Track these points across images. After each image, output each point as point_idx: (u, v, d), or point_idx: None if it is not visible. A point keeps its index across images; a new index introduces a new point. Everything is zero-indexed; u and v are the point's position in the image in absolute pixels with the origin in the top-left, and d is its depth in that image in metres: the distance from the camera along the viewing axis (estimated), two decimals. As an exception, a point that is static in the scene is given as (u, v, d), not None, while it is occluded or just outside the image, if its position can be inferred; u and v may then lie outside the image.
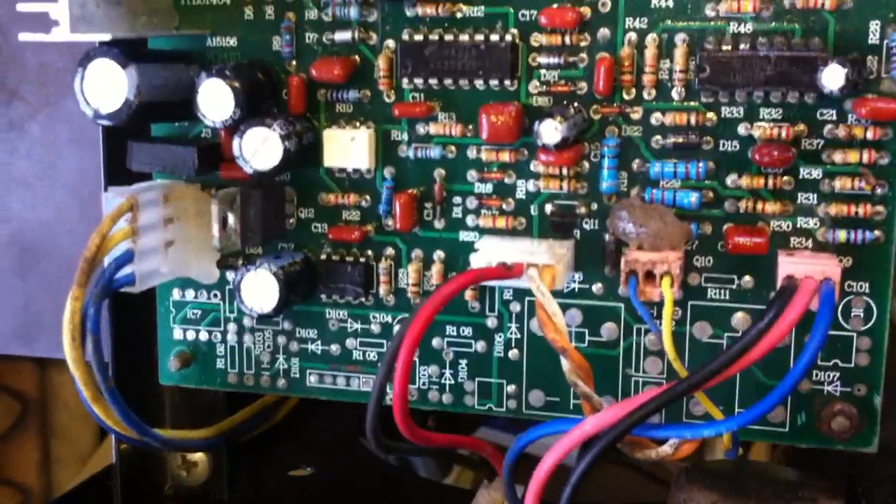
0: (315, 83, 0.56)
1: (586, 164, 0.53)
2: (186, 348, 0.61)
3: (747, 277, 0.52)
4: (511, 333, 0.56)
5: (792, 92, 0.49)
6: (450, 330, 0.57)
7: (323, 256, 0.57)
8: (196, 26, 0.57)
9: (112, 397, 0.54)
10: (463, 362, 0.57)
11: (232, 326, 0.60)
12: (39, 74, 0.75)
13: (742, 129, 0.51)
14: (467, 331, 0.56)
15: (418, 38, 0.53)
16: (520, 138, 0.53)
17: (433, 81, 0.54)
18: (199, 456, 0.69)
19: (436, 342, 0.57)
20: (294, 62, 0.56)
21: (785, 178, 0.50)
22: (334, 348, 0.58)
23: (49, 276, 0.77)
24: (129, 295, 0.56)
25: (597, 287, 0.54)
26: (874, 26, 0.49)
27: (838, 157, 0.50)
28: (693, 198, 0.51)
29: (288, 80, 0.56)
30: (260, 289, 0.55)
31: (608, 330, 0.54)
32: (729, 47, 0.49)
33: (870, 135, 0.49)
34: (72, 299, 0.52)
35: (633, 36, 0.51)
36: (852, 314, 0.51)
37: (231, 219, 0.55)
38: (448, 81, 0.53)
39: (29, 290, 0.78)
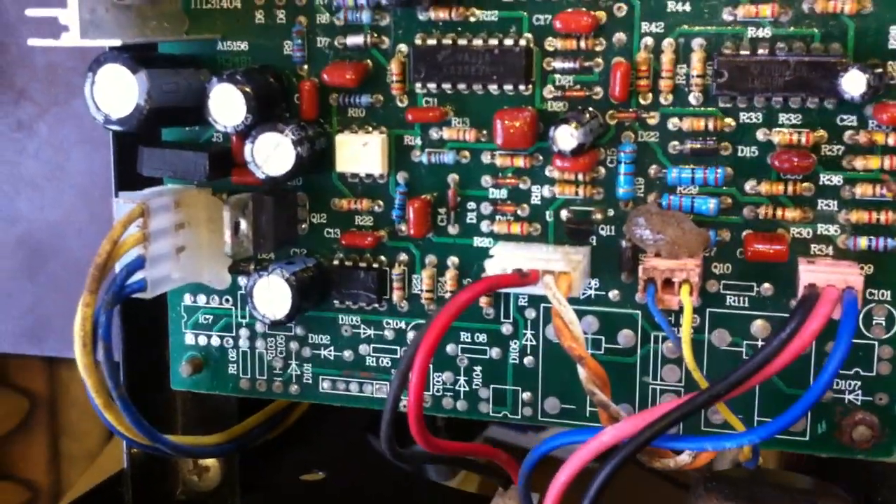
0: (327, 88, 0.55)
1: (602, 170, 0.52)
2: (198, 354, 0.61)
3: (766, 285, 0.51)
4: (526, 340, 0.55)
5: (811, 98, 0.48)
6: (464, 336, 0.56)
7: (336, 262, 0.57)
8: (206, 31, 0.56)
9: (123, 404, 0.54)
10: (477, 369, 0.56)
11: (244, 332, 0.60)
12: (48, 74, 0.74)
13: (761, 135, 0.50)
14: (482, 337, 0.56)
15: (431, 42, 0.53)
16: (535, 144, 0.52)
17: (447, 86, 0.53)
18: (210, 461, 0.69)
19: (450, 349, 0.56)
20: (306, 67, 0.55)
21: (805, 184, 0.50)
22: (347, 354, 0.58)
23: (57, 277, 0.77)
24: (140, 300, 0.55)
25: (613, 294, 0.54)
26: (894, 31, 0.48)
27: (859, 163, 0.49)
28: (711, 204, 0.51)
29: (300, 84, 0.55)
30: (272, 295, 0.55)
31: (625, 337, 0.54)
32: (747, 52, 0.49)
33: (891, 141, 0.48)
34: (83, 305, 0.52)
35: (649, 40, 0.51)
36: (874, 322, 0.51)
37: (243, 224, 0.55)
38: (462, 86, 0.53)
39: (37, 292, 0.77)
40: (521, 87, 0.52)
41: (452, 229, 0.55)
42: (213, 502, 0.69)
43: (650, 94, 0.51)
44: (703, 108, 0.51)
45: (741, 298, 0.52)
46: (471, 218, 0.55)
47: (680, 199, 0.51)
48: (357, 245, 0.56)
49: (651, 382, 0.54)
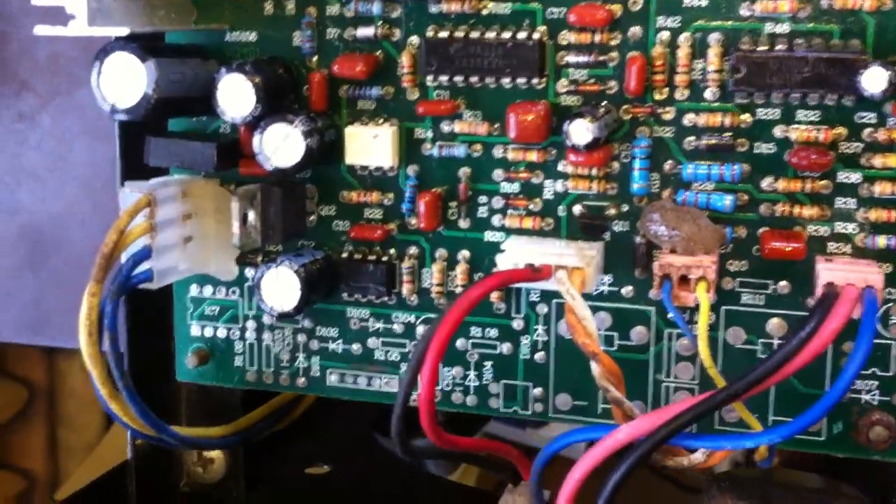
0: (337, 80, 0.54)
1: (616, 165, 0.52)
2: (204, 345, 0.60)
3: (783, 282, 0.51)
4: (538, 335, 0.55)
5: (830, 94, 0.48)
6: (475, 331, 0.56)
7: (344, 255, 0.56)
8: (214, 21, 0.56)
9: (129, 394, 0.53)
10: (488, 364, 0.56)
11: (251, 324, 0.59)
12: (50, 65, 0.74)
13: (778, 132, 0.49)
14: (493, 332, 0.55)
15: (443, 35, 0.52)
16: (548, 138, 0.51)
17: (458, 79, 0.52)
18: (215, 453, 0.68)
19: (460, 343, 0.56)
20: (315, 58, 0.55)
21: (822, 181, 0.49)
22: (356, 347, 0.57)
23: (60, 269, 0.76)
24: (146, 290, 0.55)
25: (627, 290, 0.53)
26: (915, 28, 0.48)
27: (878, 161, 0.48)
28: (727, 201, 0.50)
29: (309, 76, 0.55)
30: (281, 287, 0.54)
31: (638, 334, 0.53)
32: (765, 48, 0.48)
33: (910, 138, 0.48)
34: (88, 295, 0.51)
35: (665, 35, 0.50)
36: (891, 322, 0.50)
37: (251, 216, 0.54)
38: (474, 79, 0.52)
39: (40, 284, 0.77)
40: (535, 81, 0.51)
41: (463, 223, 0.54)
42: (217, 494, 0.69)
43: (666, 89, 0.50)
44: (719, 104, 0.50)
45: (757, 296, 0.51)
46: (482, 212, 0.54)
47: (695, 195, 0.50)
48: (366, 238, 0.56)
49: (664, 380, 0.53)
